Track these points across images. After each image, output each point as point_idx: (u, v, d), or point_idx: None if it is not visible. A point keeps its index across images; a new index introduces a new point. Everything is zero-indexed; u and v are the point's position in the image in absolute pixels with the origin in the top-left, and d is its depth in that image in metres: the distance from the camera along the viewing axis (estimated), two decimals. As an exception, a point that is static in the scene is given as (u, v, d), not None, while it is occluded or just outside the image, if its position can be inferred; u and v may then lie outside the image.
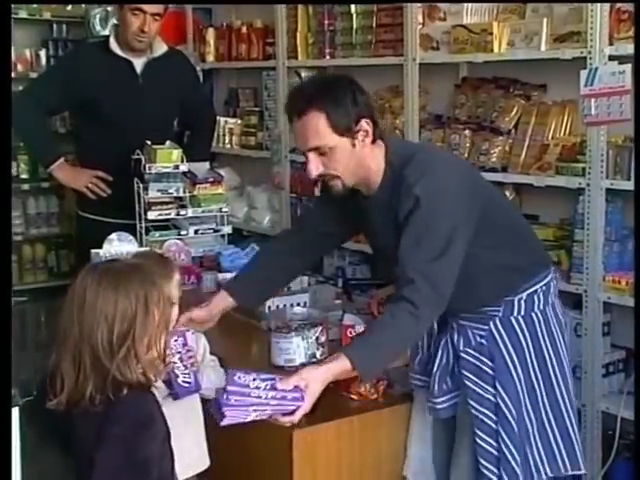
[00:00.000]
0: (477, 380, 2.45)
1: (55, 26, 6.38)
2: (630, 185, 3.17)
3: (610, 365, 3.35)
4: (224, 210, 3.54)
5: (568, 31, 3.33)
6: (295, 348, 2.43)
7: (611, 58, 3.17)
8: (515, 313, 2.47)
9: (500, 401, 2.41)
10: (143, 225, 3.46)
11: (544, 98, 3.67)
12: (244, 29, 4.98)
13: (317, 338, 2.45)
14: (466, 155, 3.74)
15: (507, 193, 3.70)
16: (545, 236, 3.49)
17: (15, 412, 1.60)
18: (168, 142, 3.58)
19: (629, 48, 3.13)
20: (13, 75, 6.12)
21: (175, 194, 3.48)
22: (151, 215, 3.44)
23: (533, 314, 2.48)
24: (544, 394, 2.49)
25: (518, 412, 2.43)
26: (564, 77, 3.44)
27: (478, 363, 2.46)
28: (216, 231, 3.56)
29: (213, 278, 3.22)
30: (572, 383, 2.59)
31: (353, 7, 4.25)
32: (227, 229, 3.57)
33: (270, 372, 2.17)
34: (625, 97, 3.08)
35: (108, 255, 3.33)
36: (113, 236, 3.38)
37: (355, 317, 2.60)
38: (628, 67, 3.08)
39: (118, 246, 3.37)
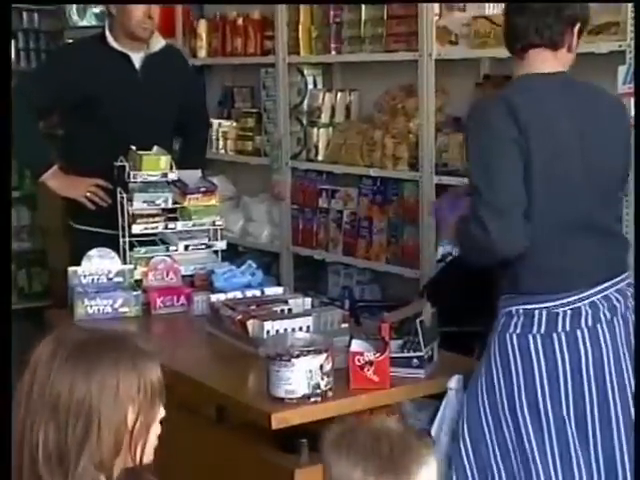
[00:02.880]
0: None
1: (25, 15, 6.38)
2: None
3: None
4: (218, 223, 3.55)
5: (604, 22, 3.33)
6: (297, 378, 2.44)
7: (653, 52, 3.19)
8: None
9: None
10: (127, 240, 3.48)
11: (576, 98, 3.70)
12: (240, 21, 5.01)
13: (321, 366, 2.45)
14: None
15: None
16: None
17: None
18: (155, 147, 3.60)
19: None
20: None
21: (163, 205, 3.49)
22: (136, 229, 3.45)
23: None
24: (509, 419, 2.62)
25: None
26: (599, 73, 3.43)
27: None
28: (209, 247, 3.56)
29: (205, 299, 3.23)
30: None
31: (362, -4, 4.30)
32: (221, 245, 3.58)
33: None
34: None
35: (87, 274, 3.38)
36: (93, 252, 3.41)
37: (364, 343, 2.61)
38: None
39: (99, 263, 3.41)
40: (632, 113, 3.08)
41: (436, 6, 3.93)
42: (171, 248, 3.50)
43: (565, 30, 2.65)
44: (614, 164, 2.69)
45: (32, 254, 6.56)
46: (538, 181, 2.52)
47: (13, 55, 6.38)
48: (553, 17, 2.62)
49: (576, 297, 2.57)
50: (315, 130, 4.61)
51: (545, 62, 2.67)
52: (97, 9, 5.76)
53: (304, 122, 4.70)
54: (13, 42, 6.37)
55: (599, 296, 2.59)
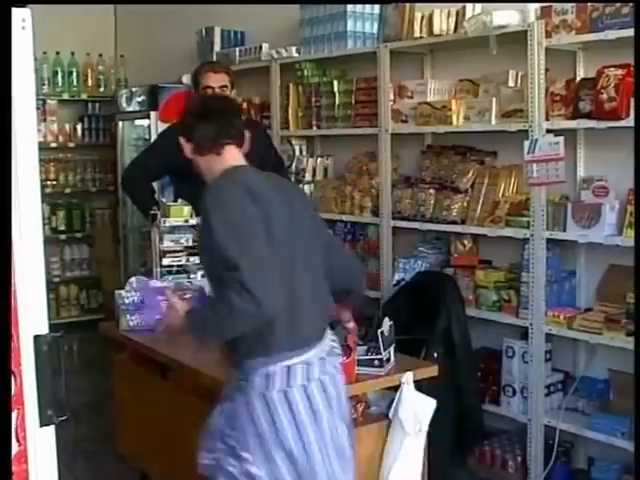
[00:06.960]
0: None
1: (90, 104, 6.55)
2: (565, 235, 3.20)
3: (551, 386, 3.37)
4: (227, 257, 3.51)
5: (513, 108, 3.37)
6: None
7: (548, 131, 3.21)
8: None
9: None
10: (159, 270, 3.44)
11: (495, 163, 3.70)
12: (245, 105, 4.99)
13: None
14: (431, 210, 3.76)
15: (465, 242, 3.72)
16: (497, 278, 3.51)
17: (51, 430, 1.56)
18: (180, 200, 3.58)
19: (562, 123, 3.18)
20: (55, 145, 6.28)
21: (185, 244, 3.46)
22: (165, 261, 3.42)
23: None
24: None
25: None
26: (511, 146, 3.47)
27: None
28: (220, 275, 3.53)
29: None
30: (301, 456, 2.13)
31: (336, 87, 4.29)
32: (229, 273, 3.54)
33: None
34: (559, 163, 3.12)
35: (129, 296, 3.31)
36: (132, 279, 3.37)
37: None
38: (561, 139, 3.13)
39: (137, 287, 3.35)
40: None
41: (391, 94, 3.92)
42: (191, 275, 3.46)
43: None
44: (313, 232, 2.29)
45: (90, 279, 6.53)
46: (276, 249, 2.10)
47: (80, 132, 6.42)
48: None
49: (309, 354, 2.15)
50: (301, 186, 4.57)
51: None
52: (140, 99, 5.75)
53: (293, 180, 4.66)
54: (80, 124, 6.44)
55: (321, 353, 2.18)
